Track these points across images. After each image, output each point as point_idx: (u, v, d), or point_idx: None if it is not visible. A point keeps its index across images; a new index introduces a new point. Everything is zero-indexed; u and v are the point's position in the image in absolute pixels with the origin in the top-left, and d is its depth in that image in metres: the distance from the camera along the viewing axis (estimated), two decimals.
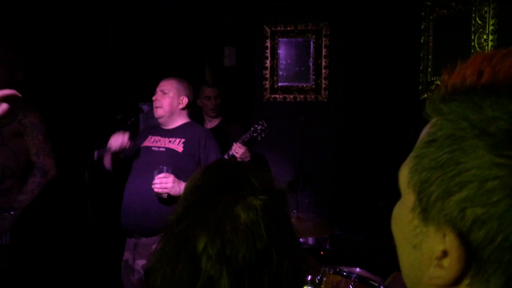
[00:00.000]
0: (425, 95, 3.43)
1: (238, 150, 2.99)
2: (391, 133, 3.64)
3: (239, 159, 2.95)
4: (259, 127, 3.09)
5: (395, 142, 3.66)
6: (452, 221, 0.41)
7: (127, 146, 2.50)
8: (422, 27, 3.35)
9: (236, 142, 3.04)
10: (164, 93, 2.59)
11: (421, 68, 3.41)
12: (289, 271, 0.80)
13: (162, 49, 3.94)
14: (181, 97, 2.61)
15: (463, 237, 0.40)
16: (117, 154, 2.55)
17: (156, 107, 2.59)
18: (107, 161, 2.61)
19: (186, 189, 0.89)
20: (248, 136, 3.07)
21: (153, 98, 2.62)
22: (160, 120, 2.63)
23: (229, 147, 3.03)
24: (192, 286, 0.76)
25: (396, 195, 0.51)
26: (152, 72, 2.80)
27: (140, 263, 2.46)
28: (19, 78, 2.63)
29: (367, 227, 3.37)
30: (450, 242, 0.41)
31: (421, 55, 3.38)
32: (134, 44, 3.93)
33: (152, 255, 0.82)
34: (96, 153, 2.67)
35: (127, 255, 2.55)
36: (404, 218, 0.47)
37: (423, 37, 3.35)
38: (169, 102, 2.58)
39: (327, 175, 3.92)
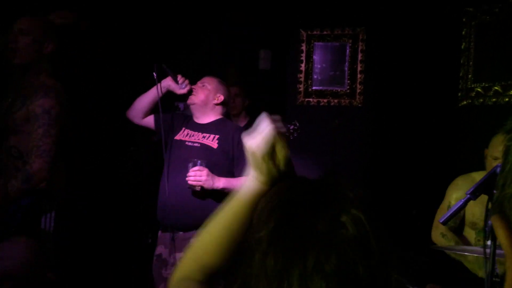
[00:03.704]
0: (464, 102, 3.33)
1: None
2: (427, 140, 3.55)
3: None
4: (291, 127, 3.08)
5: (430, 150, 3.57)
6: None
7: None
8: (463, 33, 3.26)
9: None
10: (204, 86, 2.63)
11: (461, 74, 3.31)
12: None
13: (199, 50, 3.99)
14: (218, 94, 2.64)
15: None
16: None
17: (191, 95, 2.60)
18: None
19: (262, 209, 0.75)
20: None
21: (191, 87, 2.61)
22: (193, 107, 2.63)
23: None
24: None
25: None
26: (191, 72, 2.83)
27: (178, 256, 2.48)
28: (48, 51, 2.41)
29: (399, 235, 3.30)
30: None
31: (462, 62, 3.29)
32: (172, 45, 3.99)
33: (241, 277, 0.69)
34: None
35: (160, 249, 2.56)
36: None
37: (464, 43, 3.26)
38: (206, 93, 2.60)
39: (359, 182, 3.87)
